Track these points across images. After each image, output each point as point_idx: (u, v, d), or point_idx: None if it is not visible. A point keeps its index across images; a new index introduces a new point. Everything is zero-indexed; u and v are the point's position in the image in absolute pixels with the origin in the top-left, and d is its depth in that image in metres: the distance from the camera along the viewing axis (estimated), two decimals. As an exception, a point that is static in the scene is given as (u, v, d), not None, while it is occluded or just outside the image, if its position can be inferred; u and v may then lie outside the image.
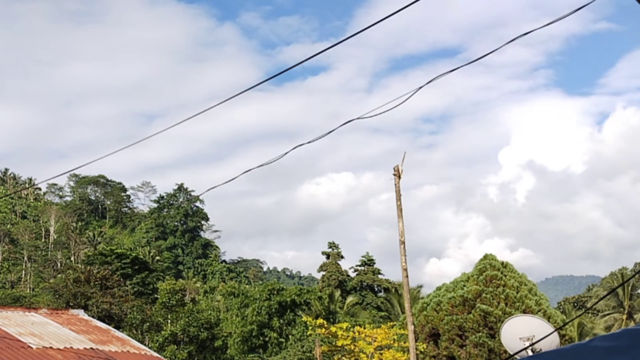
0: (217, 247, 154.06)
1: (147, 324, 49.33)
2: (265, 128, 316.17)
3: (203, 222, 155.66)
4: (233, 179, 11.32)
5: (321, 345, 27.02)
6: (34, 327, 18.79)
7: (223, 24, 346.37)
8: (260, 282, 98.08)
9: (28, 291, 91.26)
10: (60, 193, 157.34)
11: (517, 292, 25.90)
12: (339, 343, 25.11)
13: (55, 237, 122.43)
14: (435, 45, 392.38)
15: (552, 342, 10.20)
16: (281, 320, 47.98)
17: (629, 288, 66.62)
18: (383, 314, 62.68)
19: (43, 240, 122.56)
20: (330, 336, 26.64)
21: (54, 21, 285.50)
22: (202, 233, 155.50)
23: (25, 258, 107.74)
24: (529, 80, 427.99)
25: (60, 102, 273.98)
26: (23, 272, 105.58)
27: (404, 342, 23.29)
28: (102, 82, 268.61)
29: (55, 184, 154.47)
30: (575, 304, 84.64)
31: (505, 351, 11.39)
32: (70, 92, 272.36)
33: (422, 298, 36.96)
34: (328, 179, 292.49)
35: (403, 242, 13.97)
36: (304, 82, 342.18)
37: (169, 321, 48.64)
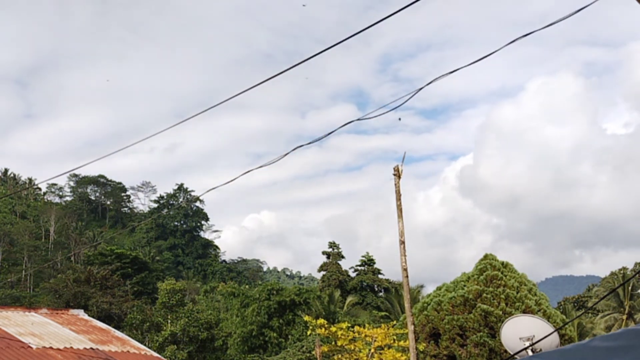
0: (217, 247, 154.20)
1: (147, 324, 49.38)
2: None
3: (203, 222, 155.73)
4: (233, 179, 11.34)
5: (321, 345, 26.96)
6: (34, 327, 18.78)
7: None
8: (260, 282, 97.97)
9: (28, 291, 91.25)
10: (60, 193, 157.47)
11: (517, 292, 25.92)
12: (340, 343, 25.05)
13: (55, 237, 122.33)
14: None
15: (552, 342, 10.19)
16: (281, 320, 47.97)
17: (629, 288, 66.56)
18: (383, 314, 62.65)
19: (43, 240, 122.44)
20: (330, 336, 26.59)
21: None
22: (202, 233, 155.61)
23: (25, 258, 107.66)
24: None
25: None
26: (23, 272, 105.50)
27: (404, 342, 23.25)
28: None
29: (55, 184, 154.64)
30: (575, 304, 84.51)
31: (506, 351, 11.39)
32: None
33: (423, 298, 36.96)
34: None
35: (403, 242, 13.94)
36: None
37: (169, 321, 48.68)
